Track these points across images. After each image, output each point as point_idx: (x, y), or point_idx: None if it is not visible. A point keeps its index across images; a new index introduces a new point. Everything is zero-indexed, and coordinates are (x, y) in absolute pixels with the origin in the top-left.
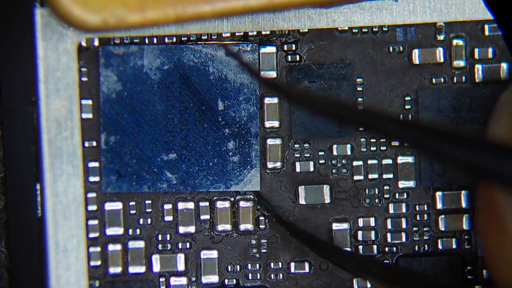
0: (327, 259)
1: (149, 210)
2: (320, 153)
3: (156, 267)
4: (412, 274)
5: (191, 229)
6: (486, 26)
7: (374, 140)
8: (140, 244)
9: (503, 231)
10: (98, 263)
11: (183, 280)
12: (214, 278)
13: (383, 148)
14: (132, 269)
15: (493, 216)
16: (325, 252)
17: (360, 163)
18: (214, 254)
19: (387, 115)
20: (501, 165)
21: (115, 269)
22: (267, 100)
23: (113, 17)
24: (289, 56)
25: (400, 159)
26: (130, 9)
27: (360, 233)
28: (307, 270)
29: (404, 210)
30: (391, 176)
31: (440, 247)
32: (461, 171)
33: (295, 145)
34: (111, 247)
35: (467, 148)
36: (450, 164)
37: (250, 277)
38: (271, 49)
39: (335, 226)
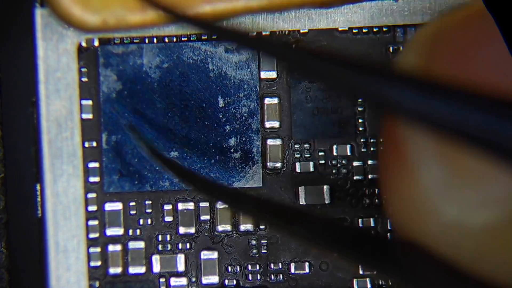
0: (201, 193)
1: (149, 210)
2: (320, 154)
3: (156, 268)
4: (285, 206)
5: (191, 229)
6: None
7: (374, 141)
8: (140, 244)
9: (401, 154)
10: (98, 263)
11: (183, 281)
12: (214, 279)
13: (383, 149)
14: (132, 270)
15: (392, 140)
16: (197, 185)
17: (360, 163)
18: (214, 254)
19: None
20: (401, 95)
21: (115, 270)
22: (267, 100)
23: (114, 17)
24: None
25: None
26: (130, 10)
27: None
28: (307, 270)
29: None
30: None
31: None
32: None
33: (295, 146)
34: (111, 247)
35: (368, 77)
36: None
37: (250, 278)
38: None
39: None
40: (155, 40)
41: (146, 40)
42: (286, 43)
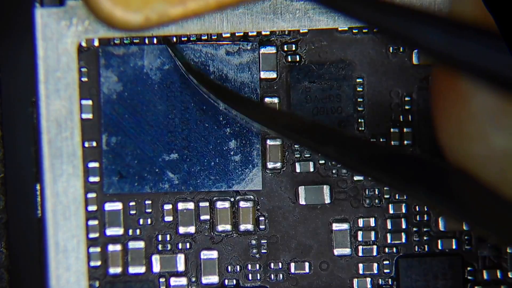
0: (238, 111)
1: (149, 210)
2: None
3: (156, 268)
4: (321, 126)
5: (191, 229)
6: None
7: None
8: (140, 244)
9: (452, 84)
10: (98, 263)
11: (183, 281)
12: (214, 279)
13: None
14: (132, 270)
15: (446, 79)
16: (234, 103)
17: None
18: (214, 254)
19: None
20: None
21: (115, 270)
22: (267, 100)
23: (155, 13)
24: (289, 56)
25: None
26: (171, 3)
27: (360, 233)
28: (307, 270)
29: (404, 211)
30: None
31: (440, 247)
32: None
33: (295, 145)
34: (111, 247)
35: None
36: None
37: (250, 278)
38: (271, 49)
39: (335, 226)
40: (155, 41)
41: (146, 41)
42: None
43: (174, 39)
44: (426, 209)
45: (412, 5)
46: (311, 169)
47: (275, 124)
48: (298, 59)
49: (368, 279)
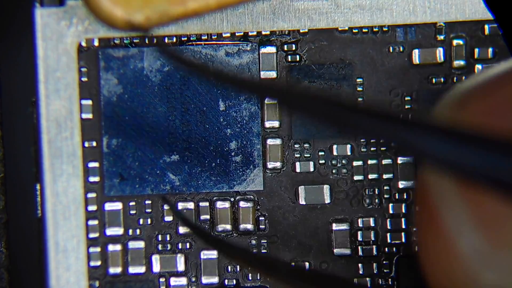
0: (236, 261)
1: (149, 210)
2: (320, 153)
3: (156, 268)
4: (321, 275)
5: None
6: (486, 26)
7: (374, 140)
8: (140, 244)
9: (437, 225)
10: (98, 263)
11: (183, 281)
12: (214, 279)
13: (383, 148)
14: (132, 269)
15: (427, 209)
16: (233, 254)
17: (360, 163)
18: (214, 254)
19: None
20: (426, 142)
21: (115, 269)
22: (267, 100)
23: (156, 13)
24: (289, 56)
25: (400, 159)
26: (171, 3)
27: (360, 233)
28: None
29: (404, 210)
30: (391, 176)
31: None
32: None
33: (295, 145)
34: (111, 247)
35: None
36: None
37: (250, 277)
38: (271, 49)
39: (335, 226)
40: (155, 41)
41: (146, 41)
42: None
43: (174, 39)
44: None
45: (414, 116)
46: (311, 169)
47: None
48: (298, 59)
49: (368, 279)
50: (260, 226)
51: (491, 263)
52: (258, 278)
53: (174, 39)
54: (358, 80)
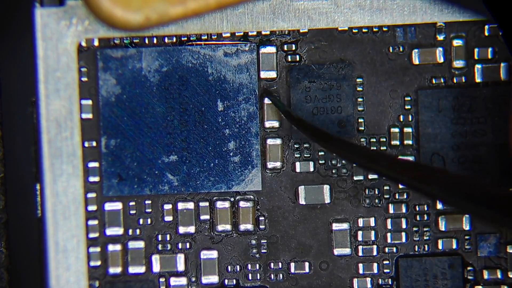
0: (337, 154)
1: (149, 210)
2: (320, 153)
3: (156, 267)
4: (419, 166)
5: (191, 229)
6: (486, 26)
7: (374, 140)
8: (140, 244)
9: None
10: (98, 263)
11: (183, 280)
12: (214, 278)
13: (383, 148)
14: (132, 269)
15: None
16: (334, 146)
17: None
18: (214, 254)
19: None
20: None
21: (115, 269)
22: (267, 100)
23: (155, 13)
24: (289, 56)
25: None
26: (171, 3)
27: (360, 233)
28: (307, 270)
29: (404, 210)
30: None
31: (440, 247)
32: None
33: (295, 145)
34: (111, 247)
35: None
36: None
37: (250, 277)
38: (271, 49)
39: (335, 226)
40: (155, 41)
41: (146, 41)
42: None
43: (174, 39)
44: (426, 209)
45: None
46: (311, 169)
47: (376, 164)
48: (298, 59)
49: (368, 279)
50: (260, 226)
51: None
52: (258, 278)
53: (174, 39)
54: (358, 80)
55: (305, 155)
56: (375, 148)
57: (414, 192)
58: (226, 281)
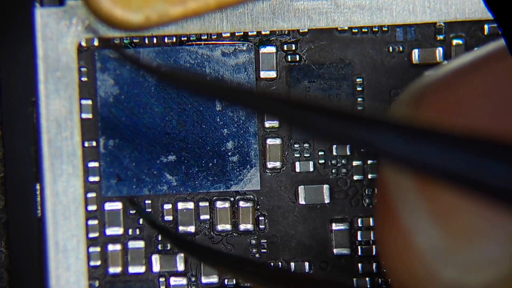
0: (202, 261)
1: (149, 210)
2: (320, 153)
3: (156, 267)
4: (287, 273)
5: (191, 229)
6: (486, 26)
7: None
8: (140, 244)
9: (395, 221)
10: (98, 263)
11: (183, 280)
12: (214, 278)
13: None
14: (132, 269)
15: (386, 205)
16: (199, 255)
17: (360, 163)
18: None
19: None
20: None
21: (115, 269)
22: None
23: (155, 13)
24: (289, 56)
25: None
26: (171, 3)
27: (359, 233)
28: (307, 270)
29: None
30: None
31: None
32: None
33: (295, 145)
34: (111, 247)
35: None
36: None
37: None
38: (271, 49)
39: (335, 226)
40: (154, 40)
41: (146, 41)
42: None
43: (174, 39)
44: None
45: (369, 113)
46: (311, 169)
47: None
48: (298, 59)
49: (368, 279)
50: (260, 226)
51: (449, 259)
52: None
53: (174, 39)
54: (357, 80)
55: (305, 155)
56: None
57: None
58: (226, 281)
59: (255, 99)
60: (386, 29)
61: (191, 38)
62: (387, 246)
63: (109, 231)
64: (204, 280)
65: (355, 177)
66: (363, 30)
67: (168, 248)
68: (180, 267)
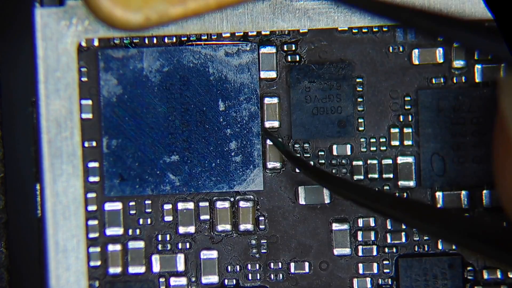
0: (338, 194)
1: (149, 210)
2: (320, 153)
3: (156, 267)
4: (421, 205)
5: (191, 229)
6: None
7: (374, 140)
8: (140, 244)
9: None
10: (98, 263)
11: (183, 280)
12: (214, 278)
13: (383, 148)
14: (132, 269)
15: (505, 141)
16: (336, 186)
17: (360, 163)
18: (214, 254)
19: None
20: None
21: (115, 269)
22: (267, 100)
23: (155, 13)
24: (289, 56)
25: (400, 159)
26: (171, 3)
27: (360, 233)
28: (307, 270)
29: None
30: (391, 176)
31: (440, 247)
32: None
33: (295, 145)
34: (111, 247)
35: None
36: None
37: (250, 277)
38: (271, 49)
39: (335, 226)
40: (154, 41)
41: (146, 41)
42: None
43: (174, 39)
44: None
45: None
46: None
47: (379, 203)
48: (298, 59)
49: (368, 279)
50: (260, 226)
51: None
52: (258, 278)
53: (174, 39)
54: (358, 80)
55: (305, 155)
56: (375, 148)
57: (417, 232)
58: (226, 281)
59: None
60: (386, 29)
61: (191, 38)
62: (507, 179)
63: (109, 231)
64: (204, 280)
65: (356, 177)
66: (363, 30)
67: (168, 248)
68: (180, 267)
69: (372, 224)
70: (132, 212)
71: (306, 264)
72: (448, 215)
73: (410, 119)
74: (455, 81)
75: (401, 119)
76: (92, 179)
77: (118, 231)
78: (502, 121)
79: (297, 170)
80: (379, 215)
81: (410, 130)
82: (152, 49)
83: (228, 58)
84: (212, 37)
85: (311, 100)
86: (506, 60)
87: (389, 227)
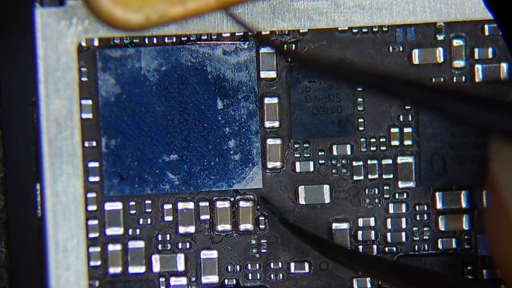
0: (332, 260)
1: (149, 210)
2: (320, 153)
3: (156, 267)
4: (419, 271)
5: (191, 229)
6: (486, 26)
7: (374, 140)
8: (140, 244)
9: (508, 218)
10: (98, 263)
11: (183, 280)
12: (214, 278)
13: (383, 148)
14: (132, 269)
15: (501, 215)
16: (331, 252)
17: (360, 163)
18: (214, 254)
19: (391, 75)
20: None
21: (115, 269)
22: (267, 100)
23: (155, 13)
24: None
25: (400, 159)
26: (171, 3)
27: (360, 233)
28: (307, 270)
29: (404, 210)
30: (391, 176)
31: (440, 247)
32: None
33: (295, 145)
34: (111, 247)
35: (474, 106)
36: (458, 122)
37: (250, 277)
38: (271, 49)
39: (335, 226)
40: (154, 40)
41: (146, 41)
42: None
43: (174, 38)
44: (426, 209)
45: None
46: (311, 169)
47: (374, 270)
48: None
49: (368, 279)
50: (260, 226)
51: None
52: (258, 278)
53: (174, 39)
54: None
55: (305, 155)
56: (375, 148)
57: None
58: (226, 281)
59: (389, 84)
60: (386, 29)
61: (191, 38)
62: (499, 243)
63: (109, 231)
64: (204, 280)
65: (356, 177)
66: (363, 30)
67: (168, 248)
68: (180, 267)
69: (372, 224)
70: (132, 212)
71: (306, 264)
72: (446, 280)
73: (410, 119)
74: (455, 81)
75: (401, 119)
76: (92, 179)
77: (118, 231)
78: (494, 186)
79: (298, 170)
80: (378, 280)
81: (410, 130)
82: (150, 48)
83: (226, 56)
84: (212, 37)
85: (311, 100)
86: (497, 130)
87: (389, 227)
